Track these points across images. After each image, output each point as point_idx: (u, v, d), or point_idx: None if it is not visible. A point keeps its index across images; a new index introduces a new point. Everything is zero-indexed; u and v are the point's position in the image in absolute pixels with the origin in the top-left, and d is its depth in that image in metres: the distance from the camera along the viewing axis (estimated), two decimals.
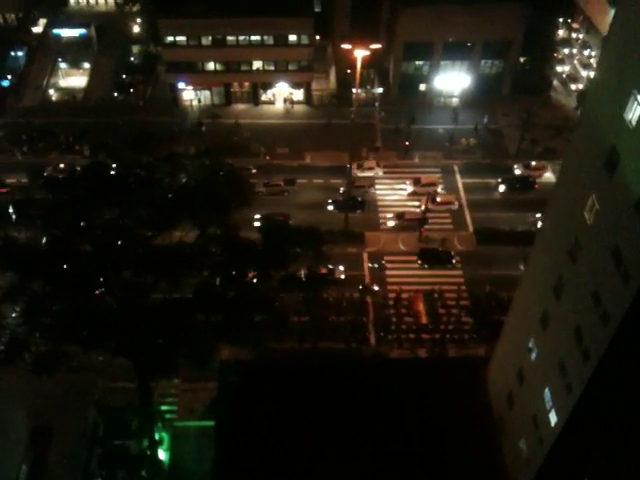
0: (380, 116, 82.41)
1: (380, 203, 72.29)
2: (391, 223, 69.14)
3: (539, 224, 66.52)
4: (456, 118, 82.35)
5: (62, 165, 72.11)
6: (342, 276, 62.86)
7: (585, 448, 37.20)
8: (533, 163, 75.98)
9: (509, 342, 47.93)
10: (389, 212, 70.59)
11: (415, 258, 65.45)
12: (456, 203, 70.41)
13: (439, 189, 72.23)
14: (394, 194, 73.27)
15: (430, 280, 63.49)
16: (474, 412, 49.88)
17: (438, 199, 70.32)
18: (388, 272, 64.88)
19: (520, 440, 44.07)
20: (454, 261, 65.09)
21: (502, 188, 73.52)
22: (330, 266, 59.77)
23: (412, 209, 70.25)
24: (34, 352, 37.00)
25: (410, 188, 72.78)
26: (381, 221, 69.86)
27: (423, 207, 67.84)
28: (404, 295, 61.86)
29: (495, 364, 51.01)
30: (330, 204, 70.98)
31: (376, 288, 62.80)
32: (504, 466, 46.90)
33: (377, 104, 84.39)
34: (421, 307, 60.78)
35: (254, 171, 71.94)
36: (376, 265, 65.36)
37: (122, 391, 49.16)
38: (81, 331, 37.22)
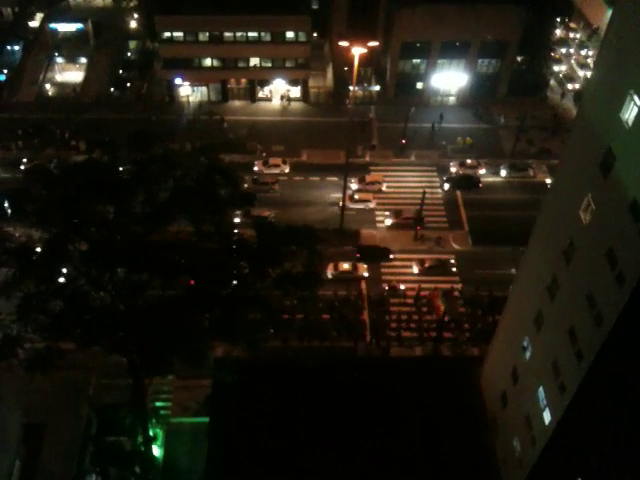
0: (410, 113, 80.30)
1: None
2: (237, 219, 65.07)
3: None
4: (481, 116, 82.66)
5: None
6: (454, 269, 64.04)
7: (578, 447, 37.27)
8: (468, 161, 75.90)
9: (503, 341, 47.99)
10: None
11: (411, 257, 65.27)
12: (373, 202, 70.77)
13: (384, 187, 72.67)
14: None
15: (426, 278, 63.42)
16: (468, 411, 49.98)
17: (356, 196, 71.32)
18: (384, 270, 64.85)
19: (514, 439, 44.16)
20: None
21: (446, 187, 73.92)
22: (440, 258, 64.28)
23: (264, 210, 66.94)
24: (27, 349, 36.81)
25: (355, 185, 73.01)
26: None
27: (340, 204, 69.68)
28: (422, 293, 61.77)
29: (489, 363, 51.08)
30: None
31: (402, 287, 62.54)
32: (497, 465, 47.03)
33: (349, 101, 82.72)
34: (440, 305, 60.38)
35: None
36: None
37: (116, 388, 49.07)
38: (76, 328, 37.07)
